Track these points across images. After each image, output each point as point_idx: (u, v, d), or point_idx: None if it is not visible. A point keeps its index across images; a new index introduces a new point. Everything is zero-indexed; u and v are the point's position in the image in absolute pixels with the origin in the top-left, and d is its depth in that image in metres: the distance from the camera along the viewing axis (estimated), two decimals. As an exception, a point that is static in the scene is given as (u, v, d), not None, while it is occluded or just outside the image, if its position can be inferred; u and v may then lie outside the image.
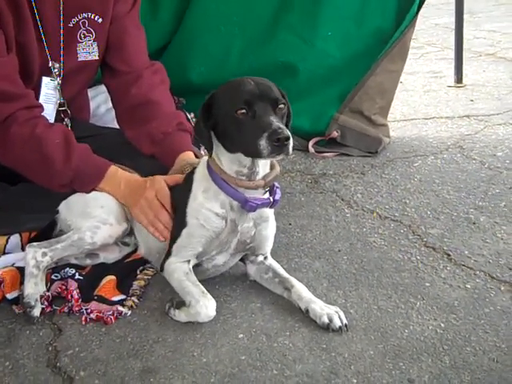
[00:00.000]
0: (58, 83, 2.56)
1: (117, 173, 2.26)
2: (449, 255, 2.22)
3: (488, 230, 2.37)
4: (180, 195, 2.02)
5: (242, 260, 2.10)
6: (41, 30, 2.42)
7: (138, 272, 2.17)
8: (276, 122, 1.71)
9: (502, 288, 1.99)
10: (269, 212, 1.99)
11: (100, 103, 3.28)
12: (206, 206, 1.93)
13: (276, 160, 1.90)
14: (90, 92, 3.15)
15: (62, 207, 2.24)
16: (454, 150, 3.26)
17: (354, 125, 3.32)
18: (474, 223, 2.43)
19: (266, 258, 2.07)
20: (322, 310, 1.85)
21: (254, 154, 1.75)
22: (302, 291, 1.93)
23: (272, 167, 1.93)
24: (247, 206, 1.89)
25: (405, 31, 3.25)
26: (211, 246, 1.97)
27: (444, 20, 7.16)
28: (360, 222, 2.52)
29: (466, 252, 2.23)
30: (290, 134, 1.70)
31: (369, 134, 3.30)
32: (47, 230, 2.26)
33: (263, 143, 1.69)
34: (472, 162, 3.06)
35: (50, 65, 2.51)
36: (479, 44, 5.85)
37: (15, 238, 2.30)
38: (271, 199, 1.93)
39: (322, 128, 3.35)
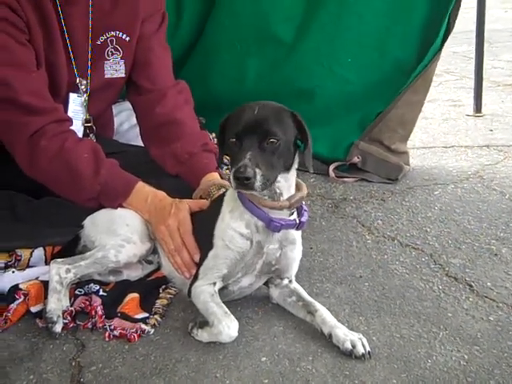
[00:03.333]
0: (85, 100, 2.61)
1: (144, 188, 2.29)
2: (471, 286, 2.21)
3: (510, 262, 2.36)
4: (208, 218, 2.04)
5: (265, 283, 2.11)
6: (69, 47, 2.48)
7: (161, 291, 2.18)
8: (247, 159, 1.74)
9: (525, 321, 1.99)
10: (295, 235, 2.00)
11: (123, 120, 3.31)
12: (232, 226, 1.94)
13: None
14: (114, 109, 3.18)
15: (87, 222, 2.26)
16: (474, 179, 3.26)
17: (374, 151, 3.32)
18: (496, 255, 2.43)
19: (290, 281, 2.08)
20: (346, 335, 1.86)
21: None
22: (325, 316, 1.94)
23: (299, 189, 1.95)
24: (272, 225, 1.90)
25: (430, 63, 3.25)
26: (236, 268, 1.98)
27: (462, 48, 7.18)
28: (381, 248, 2.52)
29: (489, 283, 2.22)
30: (252, 173, 1.72)
31: (389, 160, 3.31)
32: (71, 245, 2.28)
33: (231, 177, 1.77)
34: (493, 192, 3.06)
35: (78, 81, 2.56)
36: (497, 74, 5.86)
37: (39, 252, 2.33)
38: (297, 221, 1.94)
39: (340, 155, 3.35)
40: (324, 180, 3.29)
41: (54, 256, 2.24)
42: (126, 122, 3.32)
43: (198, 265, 2.04)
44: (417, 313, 2.06)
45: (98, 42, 2.55)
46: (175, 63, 2.81)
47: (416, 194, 3.08)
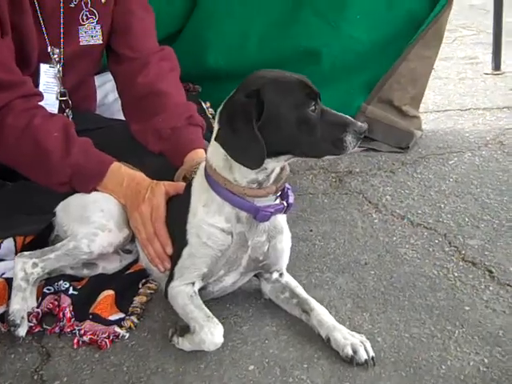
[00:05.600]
0: (59, 70, 2.39)
1: (120, 169, 2.07)
2: (491, 272, 1.98)
3: (536, 243, 2.12)
4: (178, 210, 1.81)
5: (256, 275, 1.88)
6: (38, 11, 2.24)
7: (141, 285, 1.97)
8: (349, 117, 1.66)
9: (557, 316, 1.74)
10: (282, 222, 1.77)
11: (108, 91, 3.06)
12: (209, 222, 1.70)
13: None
14: (97, 79, 2.94)
15: (60, 209, 2.06)
16: (493, 145, 3.02)
17: (382, 117, 3.10)
18: (519, 233, 2.19)
19: (281, 274, 1.84)
20: (346, 339, 1.62)
21: (335, 151, 1.64)
22: (322, 315, 1.70)
23: (282, 169, 1.71)
24: (260, 215, 1.67)
25: (440, 13, 3.01)
26: (218, 266, 1.74)
27: (480, 1, 6.84)
28: (389, 229, 2.29)
29: (511, 268, 1.98)
30: None
31: (399, 126, 3.08)
32: (43, 235, 2.07)
33: (349, 138, 1.61)
34: (514, 159, 2.82)
35: (49, 50, 2.34)
36: (517, 28, 5.54)
37: (9, 243, 2.13)
38: (285, 204, 1.71)
39: None
40: (328, 151, 3.04)
41: (25, 247, 2.04)
42: (111, 93, 3.05)
43: (172, 262, 1.80)
44: (429, 306, 1.82)
45: (72, 5, 2.30)
46: (167, 37, 2.56)
47: (429, 165, 2.85)
